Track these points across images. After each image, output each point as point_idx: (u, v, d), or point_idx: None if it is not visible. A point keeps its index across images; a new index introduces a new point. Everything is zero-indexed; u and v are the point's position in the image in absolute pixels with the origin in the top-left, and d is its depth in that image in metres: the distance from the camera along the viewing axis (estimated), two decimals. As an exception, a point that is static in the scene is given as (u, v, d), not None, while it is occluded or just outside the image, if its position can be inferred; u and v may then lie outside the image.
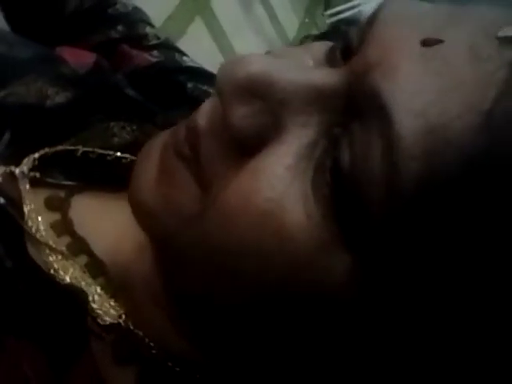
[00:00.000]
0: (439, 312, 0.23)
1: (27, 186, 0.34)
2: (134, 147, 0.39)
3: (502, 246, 0.21)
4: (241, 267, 0.25)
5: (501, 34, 0.22)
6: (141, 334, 0.31)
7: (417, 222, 0.22)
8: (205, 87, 0.46)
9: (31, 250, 0.31)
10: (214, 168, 0.26)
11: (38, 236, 0.32)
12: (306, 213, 0.23)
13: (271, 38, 1.91)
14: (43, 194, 0.35)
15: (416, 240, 0.22)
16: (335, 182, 0.23)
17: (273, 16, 1.96)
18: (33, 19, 0.50)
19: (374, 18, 0.26)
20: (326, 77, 0.25)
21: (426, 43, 0.23)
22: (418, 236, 0.22)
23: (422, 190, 0.21)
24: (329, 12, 2.44)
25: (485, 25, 0.23)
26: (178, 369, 0.31)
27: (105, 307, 0.31)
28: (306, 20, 2.28)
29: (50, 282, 0.30)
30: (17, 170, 0.34)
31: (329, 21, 2.44)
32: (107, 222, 0.35)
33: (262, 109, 0.25)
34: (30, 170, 0.35)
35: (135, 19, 0.51)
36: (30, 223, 0.32)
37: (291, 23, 2.14)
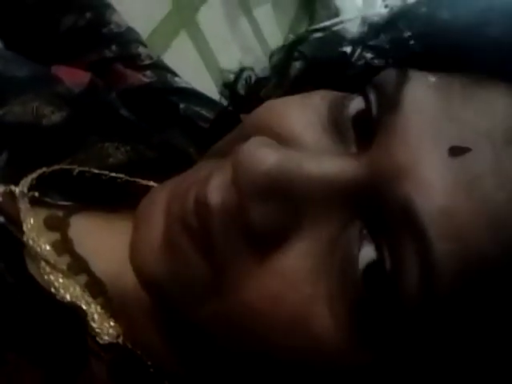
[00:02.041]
0: None
1: (27, 205, 0.34)
2: (127, 167, 0.40)
3: None
4: (263, 350, 0.26)
5: None
6: (139, 353, 0.31)
7: (445, 333, 0.23)
8: (197, 108, 0.47)
9: (31, 268, 0.31)
10: (227, 253, 0.26)
11: (38, 255, 0.32)
12: (333, 315, 0.24)
13: (256, 52, 1.93)
14: (43, 213, 0.35)
15: (440, 350, 0.24)
16: (364, 283, 0.24)
17: (257, 30, 1.97)
18: (27, 37, 0.51)
19: (394, 101, 0.25)
20: (345, 169, 0.25)
21: (454, 153, 0.23)
22: (444, 346, 0.24)
23: (455, 307, 0.23)
24: (312, 28, 2.47)
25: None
26: None
27: (104, 326, 0.31)
28: (290, 36, 2.30)
29: (51, 300, 0.31)
30: (17, 190, 0.34)
31: (312, 37, 2.47)
32: (106, 242, 0.35)
33: (282, 207, 0.25)
34: (29, 189, 0.35)
35: (129, 39, 0.52)
36: (30, 242, 0.32)
37: (276, 38, 2.15)
